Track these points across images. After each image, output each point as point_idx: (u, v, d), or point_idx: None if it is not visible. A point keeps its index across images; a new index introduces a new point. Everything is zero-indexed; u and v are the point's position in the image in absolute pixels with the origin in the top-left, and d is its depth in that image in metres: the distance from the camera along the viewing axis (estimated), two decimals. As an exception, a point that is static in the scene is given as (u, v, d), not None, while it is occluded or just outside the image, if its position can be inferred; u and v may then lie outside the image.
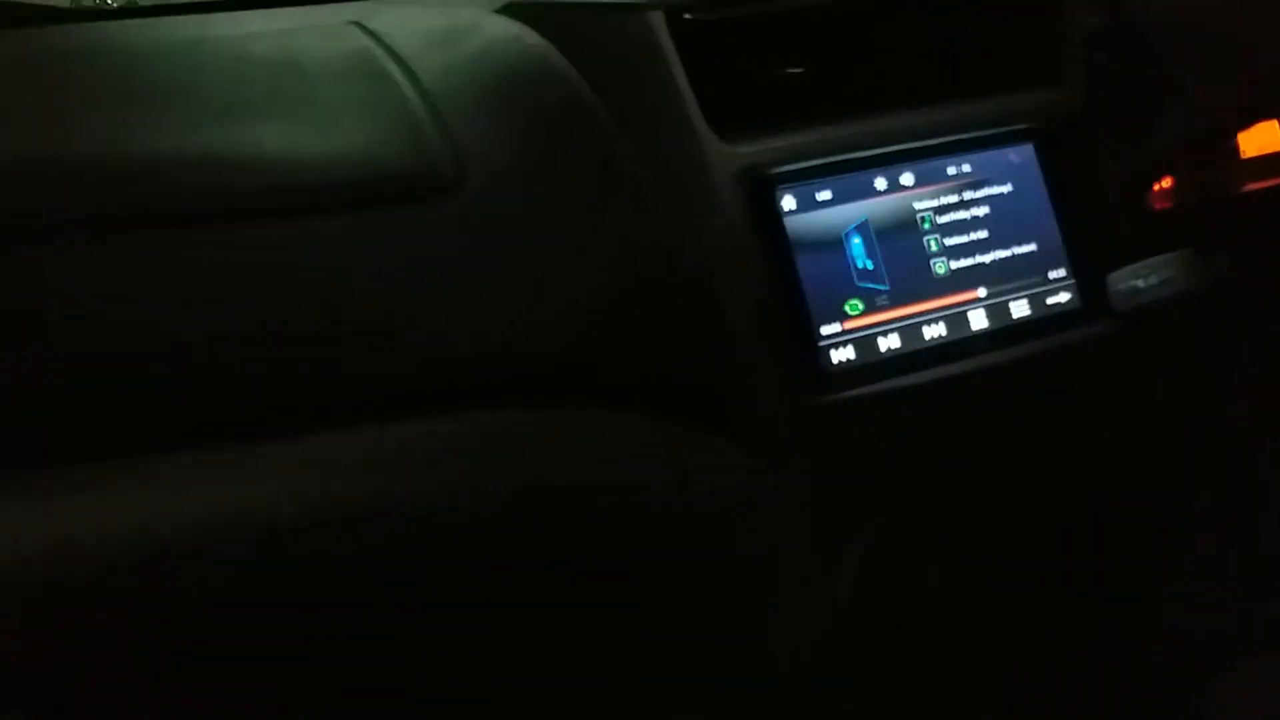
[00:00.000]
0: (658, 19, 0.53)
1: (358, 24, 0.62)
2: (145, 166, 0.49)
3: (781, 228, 0.53)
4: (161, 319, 0.47)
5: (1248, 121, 0.59)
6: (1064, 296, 0.58)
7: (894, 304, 0.54)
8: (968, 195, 0.57)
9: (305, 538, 0.46)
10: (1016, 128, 0.58)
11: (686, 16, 0.53)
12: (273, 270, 0.49)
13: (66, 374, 0.45)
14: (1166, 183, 0.61)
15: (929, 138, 0.56)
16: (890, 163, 0.55)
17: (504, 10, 0.62)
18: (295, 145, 0.51)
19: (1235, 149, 0.62)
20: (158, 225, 0.48)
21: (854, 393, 0.53)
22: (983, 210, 0.57)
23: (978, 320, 0.56)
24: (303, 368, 0.48)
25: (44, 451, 0.44)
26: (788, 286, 0.53)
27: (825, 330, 0.53)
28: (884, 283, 0.54)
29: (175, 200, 0.48)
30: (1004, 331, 0.56)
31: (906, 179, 0.56)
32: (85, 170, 0.49)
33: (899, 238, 0.55)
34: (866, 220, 0.55)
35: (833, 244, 0.54)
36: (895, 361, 0.54)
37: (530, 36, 0.58)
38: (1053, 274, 0.58)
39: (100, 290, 0.46)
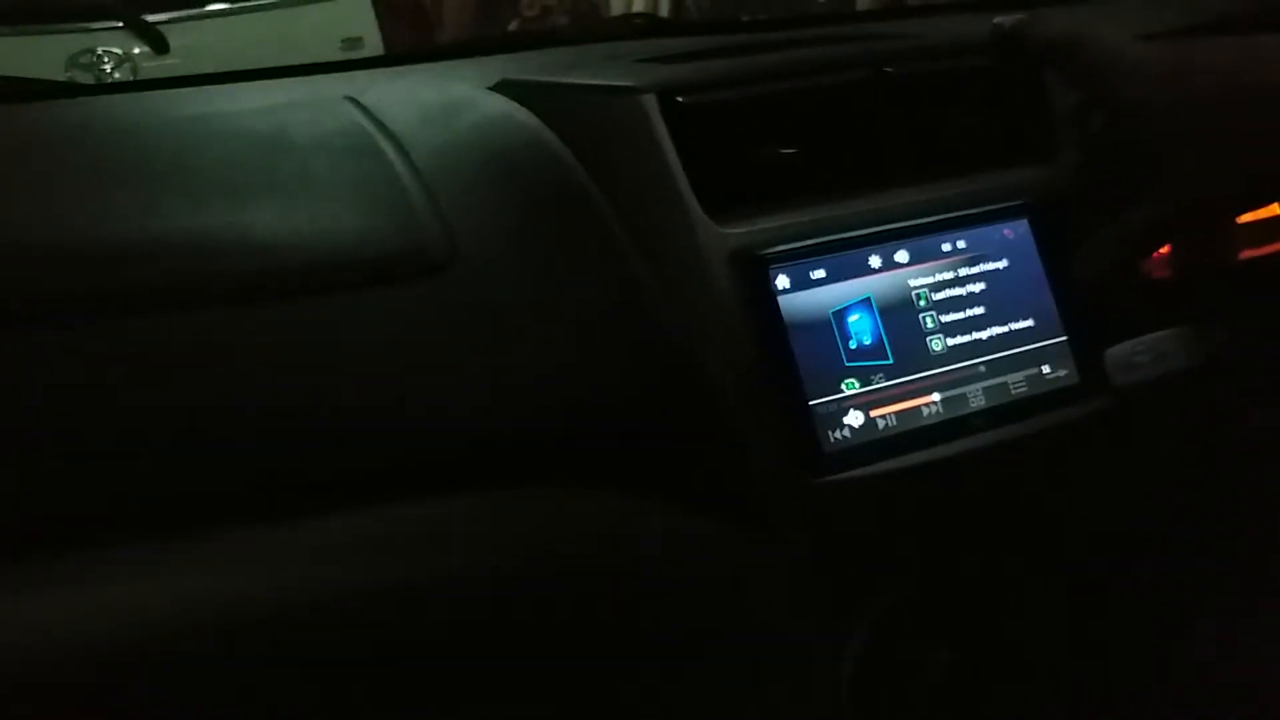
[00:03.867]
0: (650, 102, 0.53)
1: (352, 99, 0.62)
2: (141, 250, 0.49)
3: (776, 307, 0.52)
4: (152, 402, 0.46)
5: (1241, 202, 0.59)
6: (1062, 372, 0.57)
7: (891, 382, 0.54)
8: (963, 272, 0.56)
9: (289, 624, 0.45)
10: (1010, 204, 0.58)
11: (679, 100, 0.53)
12: (266, 352, 0.48)
13: (52, 458, 0.45)
14: (1163, 251, 0.61)
15: (923, 216, 0.56)
16: (885, 240, 0.55)
17: (498, 87, 0.63)
18: (289, 226, 0.51)
19: (1231, 216, 0.62)
20: (151, 308, 0.48)
21: (851, 474, 0.52)
22: (978, 286, 0.57)
23: (975, 398, 0.55)
24: (293, 451, 0.47)
25: (31, 537, 0.44)
26: (783, 367, 0.52)
27: (821, 410, 0.52)
28: (881, 361, 0.54)
29: (169, 283, 0.48)
30: (1002, 409, 0.55)
31: (901, 256, 0.56)
32: (80, 253, 0.49)
33: (895, 315, 0.55)
34: (862, 298, 0.54)
35: (828, 323, 0.53)
36: (893, 441, 0.53)
37: (523, 115, 0.58)
38: (1050, 349, 0.57)
39: (91, 374, 0.46)
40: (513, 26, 3.48)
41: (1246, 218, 0.64)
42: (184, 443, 0.46)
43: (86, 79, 1.89)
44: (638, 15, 2.09)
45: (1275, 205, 0.65)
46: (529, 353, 0.50)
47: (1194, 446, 0.60)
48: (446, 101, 0.62)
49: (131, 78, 1.93)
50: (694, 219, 0.52)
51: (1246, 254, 0.65)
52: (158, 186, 0.53)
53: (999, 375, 0.56)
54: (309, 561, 0.47)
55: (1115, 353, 0.57)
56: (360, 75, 0.81)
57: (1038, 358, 0.57)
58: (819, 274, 0.54)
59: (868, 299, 0.54)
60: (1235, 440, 0.62)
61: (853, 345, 0.54)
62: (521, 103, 0.59)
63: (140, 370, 0.46)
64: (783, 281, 0.53)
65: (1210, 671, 0.65)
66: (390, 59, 0.91)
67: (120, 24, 1.90)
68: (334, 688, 0.45)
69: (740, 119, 0.55)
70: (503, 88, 0.62)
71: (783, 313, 0.52)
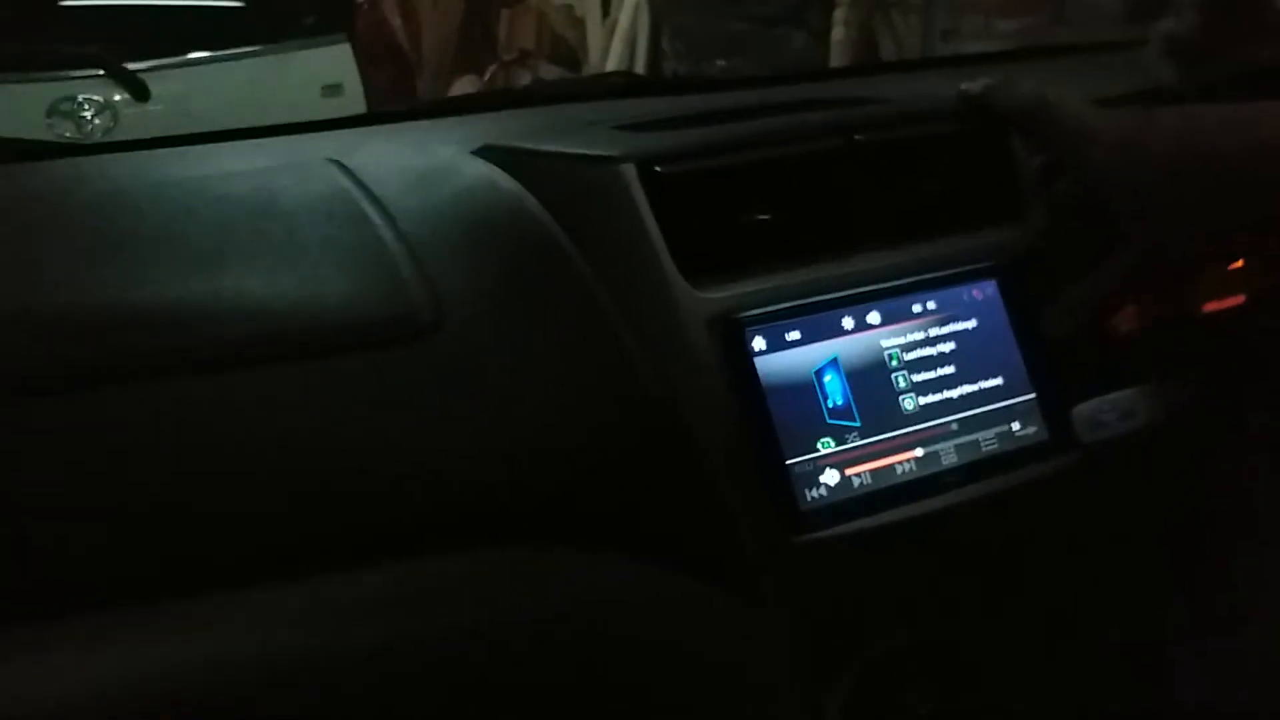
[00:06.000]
0: (630, 171, 0.55)
1: (336, 162, 0.64)
2: (129, 318, 0.50)
3: (752, 368, 0.54)
4: (138, 470, 0.47)
5: (1202, 261, 0.61)
6: (1031, 429, 0.59)
7: (865, 441, 0.55)
8: (933, 332, 0.58)
9: (282, 688, 0.46)
10: (978, 265, 0.60)
11: (657, 170, 0.55)
12: (254, 419, 0.49)
13: (45, 527, 0.45)
14: (1127, 309, 0.63)
15: (894, 278, 0.58)
16: (857, 303, 0.57)
17: (480, 152, 0.64)
18: (278, 292, 0.52)
19: (1192, 274, 0.64)
20: (141, 376, 0.48)
21: (828, 532, 0.53)
22: (949, 346, 0.58)
23: (948, 455, 0.57)
24: (282, 516, 0.48)
25: (32, 604, 0.44)
26: (760, 426, 0.53)
27: (798, 469, 0.54)
28: (855, 420, 0.55)
29: (158, 351, 0.49)
30: (974, 466, 0.57)
31: (873, 317, 0.57)
32: (67, 322, 0.50)
33: (868, 375, 0.56)
34: (836, 359, 0.56)
35: (803, 383, 0.55)
36: (868, 499, 0.54)
37: (506, 181, 0.60)
38: (1020, 407, 0.59)
39: (77, 444, 0.47)
40: (492, 70, 3.52)
41: (1208, 274, 0.66)
42: (169, 509, 0.47)
43: (67, 126, 1.91)
44: (616, 74, 2.13)
45: (1236, 261, 0.67)
46: (515, 415, 0.51)
47: (1161, 500, 0.61)
48: (430, 166, 0.63)
49: (112, 125, 1.95)
50: (672, 283, 0.54)
51: (1209, 307, 0.67)
52: (146, 253, 0.54)
53: (970, 433, 0.57)
54: (290, 626, 0.47)
55: (1082, 410, 0.59)
56: (346, 134, 0.83)
57: (1008, 415, 0.58)
58: (794, 335, 0.55)
59: (841, 360, 0.56)
60: (1201, 493, 0.63)
61: (828, 404, 0.55)
62: (503, 168, 0.61)
63: (128, 438, 0.47)
64: (759, 343, 0.54)
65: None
66: (371, 118, 0.92)
67: (101, 72, 1.92)
68: None
69: (716, 186, 0.57)
70: (485, 153, 0.63)
71: (759, 373, 0.54)
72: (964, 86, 0.63)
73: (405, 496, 0.50)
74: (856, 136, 0.59)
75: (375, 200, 0.59)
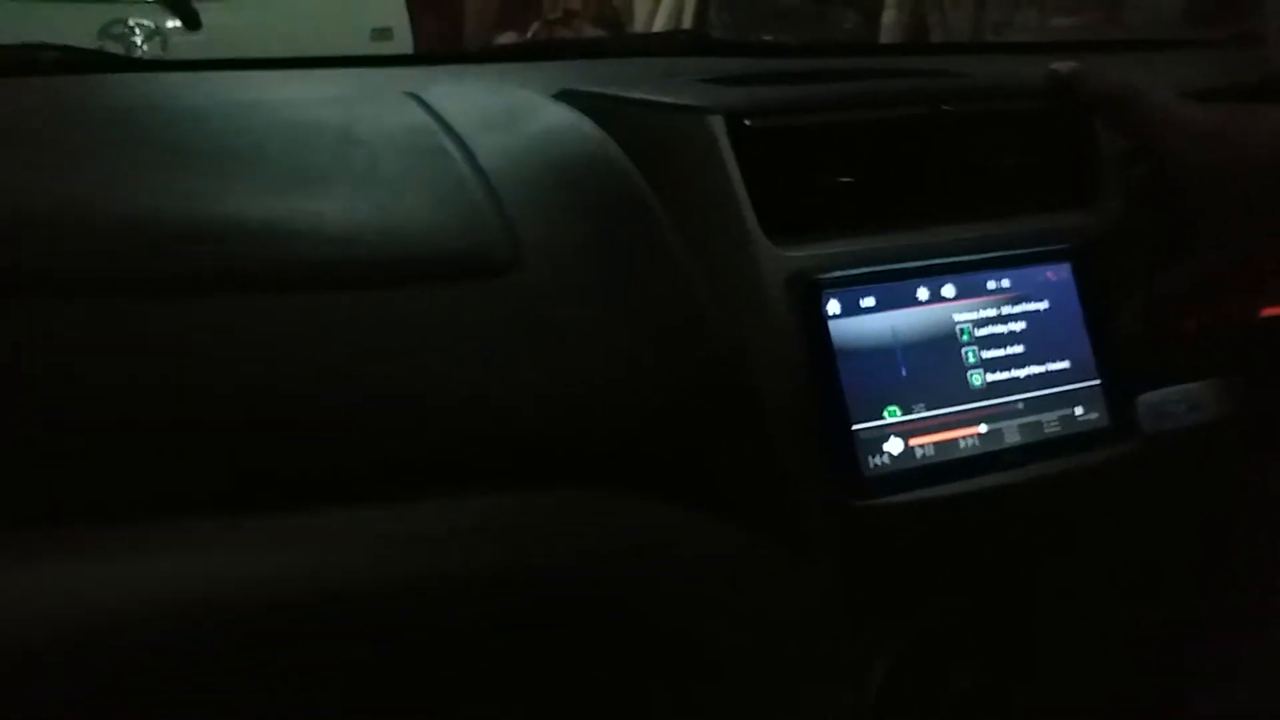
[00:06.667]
0: (718, 123, 0.55)
1: (415, 96, 0.63)
2: (204, 230, 0.50)
3: (826, 331, 0.54)
4: (211, 383, 0.47)
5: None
6: (1094, 414, 0.58)
7: (931, 413, 0.55)
8: (1006, 310, 0.58)
9: (327, 610, 0.46)
10: (1055, 247, 0.59)
11: (746, 123, 0.55)
12: (324, 340, 0.49)
13: (107, 430, 0.45)
14: (1196, 306, 0.62)
15: (970, 253, 0.57)
16: (932, 274, 0.56)
17: (560, 96, 0.64)
18: (359, 218, 0.52)
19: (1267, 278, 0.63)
20: (221, 289, 0.48)
21: (889, 499, 0.53)
22: (1020, 325, 0.58)
23: (1011, 434, 0.57)
24: (341, 440, 0.48)
25: (72, 510, 0.44)
26: (829, 388, 0.53)
27: (863, 435, 0.54)
28: (922, 391, 0.55)
29: (241, 266, 0.49)
30: (1036, 446, 0.57)
31: (948, 291, 0.57)
32: (152, 230, 0.50)
33: (938, 348, 0.56)
34: (908, 329, 0.56)
35: (874, 350, 0.55)
36: (930, 470, 0.54)
37: (588, 125, 0.59)
38: (1084, 392, 0.59)
39: (149, 349, 0.47)
40: (535, 28, 3.50)
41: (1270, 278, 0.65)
42: (245, 423, 0.47)
43: (117, 49, 1.91)
44: (684, 32, 2.11)
45: None
46: (585, 359, 0.51)
47: (1219, 495, 0.61)
48: (510, 107, 0.63)
49: (162, 51, 1.95)
50: (753, 239, 0.54)
51: (1269, 311, 0.66)
52: (226, 169, 0.54)
53: (1034, 414, 0.57)
54: (340, 550, 0.47)
55: (1147, 400, 0.59)
56: (409, 72, 0.82)
57: (1072, 399, 0.58)
58: (868, 302, 0.55)
59: (913, 330, 0.56)
60: (1259, 491, 0.63)
61: (897, 373, 0.55)
62: (585, 113, 0.60)
63: (207, 350, 0.47)
64: (834, 306, 0.54)
65: (1228, 713, 0.67)
66: (438, 57, 0.92)
67: (152, -3, 1.92)
68: (348, 680, 0.46)
69: (802, 145, 0.56)
70: (567, 97, 0.63)
71: (832, 337, 0.54)
72: (1054, 66, 0.63)
73: (467, 431, 0.50)
74: (945, 106, 0.59)
75: (455, 136, 0.59)
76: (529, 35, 3.40)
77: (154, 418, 0.46)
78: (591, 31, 3.60)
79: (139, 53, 1.86)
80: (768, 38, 2.96)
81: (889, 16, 2.82)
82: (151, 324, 0.47)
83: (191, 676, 0.43)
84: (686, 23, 3.28)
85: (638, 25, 3.51)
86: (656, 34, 2.34)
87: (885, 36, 2.80)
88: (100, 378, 0.46)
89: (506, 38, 3.41)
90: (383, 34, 2.04)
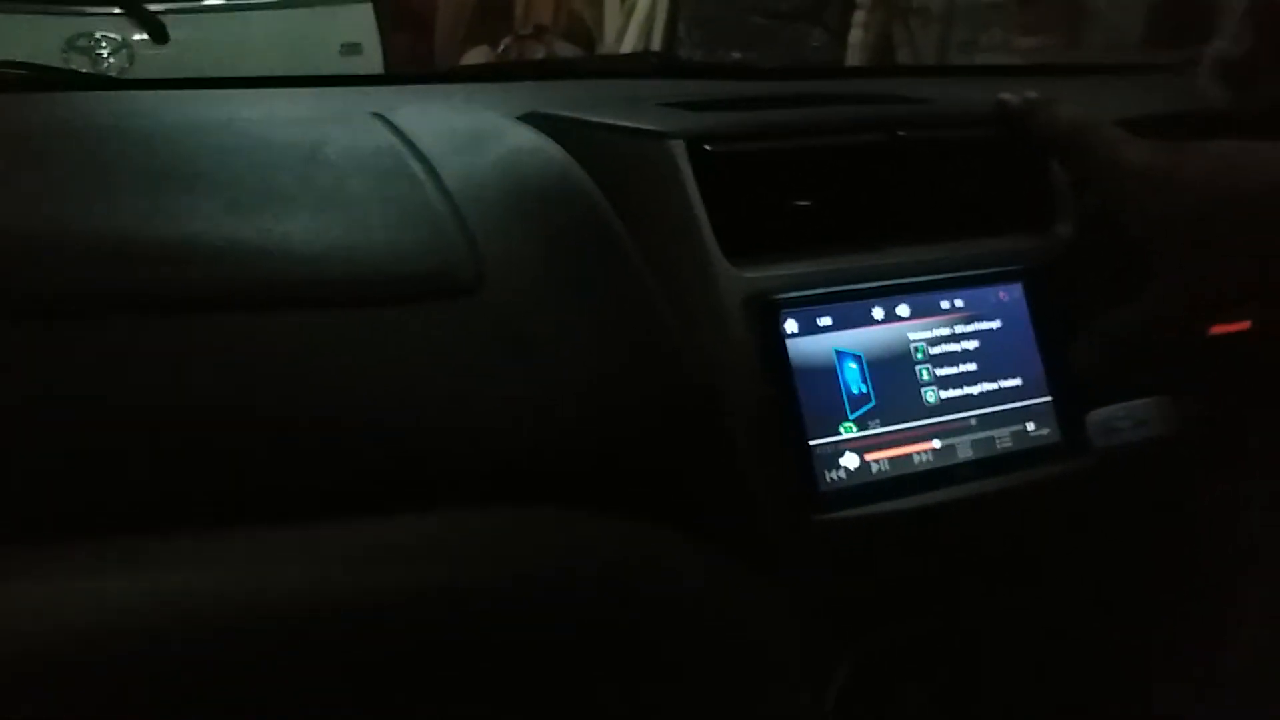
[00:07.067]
0: (679, 147, 0.56)
1: (381, 117, 0.64)
2: (179, 250, 0.51)
3: (784, 349, 0.55)
4: (174, 402, 0.48)
5: (1222, 299, 0.62)
6: (1045, 430, 0.60)
7: (886, 429, 0.57)
8: (959, 329, 0.59)
9: (292, 624, 0.47)
10: (1007, 268, 0.61)
11: (707, 148, 0.56)
12: (290, 360, 0.50)
13: (73, 451, 0.46)
14: (1143, 328, 0.64)
15: (925, 274, 0.59)
16: (888, 294, 0.58)
17: (526, 118, 0.65)
18: (326, 238, 0.53)
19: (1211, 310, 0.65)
20: (184, 309, 0.49)
21: (844, 513, 0.54)
22: (972, 344, 0.60)
23: (964, 449, 0.58)
24: (307, 458, 0.49)
25: (44, 529, 0.45)
26: (786, 405, 0.55)
27: (820, 451, 0.55)
28: (877, 408, 0.57)
29: (204, 285, 0.50)
30: (989, 461, 0.58)
31: (903, 310, 0.58)
32: (116, 249, 0.50)
33: (893, 366, 0.58)
34: (863, 347, 0.57)
35: (830, 368, 0.56)
36: (885, 485, 0.56)
37: (553, 148, 0.60)
38: (1036, 408, 0.60)
39: (111, 370, 0.47)
40: (506, 43, 3.51)
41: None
42: (201, 442, 0.47)
43: (83, 63, 1.90)
44: (653, 54, 2.13)
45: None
46: (547, 379, 0.52)
47: (1168, 508, 0.63)
48: (476, 128, 0.64)
49: (128, 65, 1.94)
50: (713, 260, 0.55)
51: (1217, 329, 0.68)
52: (191, 189, 0.55)
53: (987, 429, 0.59)
54: (310, 565, 0.48)
55: (1097, 416, 0.61)
56: (377, 91, 0.83)
57: (1024, 415, 0.60)
58: (825, 321, 0.56)
59: (869, 348, 0.57)
60: (1205, 505, 0.65)
61: (852, 391, 0.56)
62: (550, 136, 0.62)
63: (166, 369, 0.48)
64: (791, 325, 0.56)
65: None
66: (407, 77, 0.93)
67: (119, 10, 1.91)
68: (322, 694, 0.46)
69: (761, 169, 0.58)
70: (532, 120, 0.64)
71: (789, 355, 0.55)
72: (1003, 97, 0.64)
73: (430, 449, 0.51)
74: (900, 133, 0.60)
75: (421, 157, 0.60)
76: (500, 50, 3.42)
77: (112, 437, 0.46)
78: (562, 46, 3.62)
79: (105, 66, 1.85)
80: (736, 55, 3.00)
81: (856, 36, 2.86)
82: (113, 345, 0.47)
83: (160, 692, 0.43)
84: (657, 38, 3.31)
85: (608, 40, 3.54)
86: (625, 55, 2.36)
87: (852, 55, 2.83)
88: (59, 397, 0.46)
89: (478, 52, 3.42)
90: (352, 49, 2.04)
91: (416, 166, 0.59)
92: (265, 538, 0.47)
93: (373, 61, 2.05)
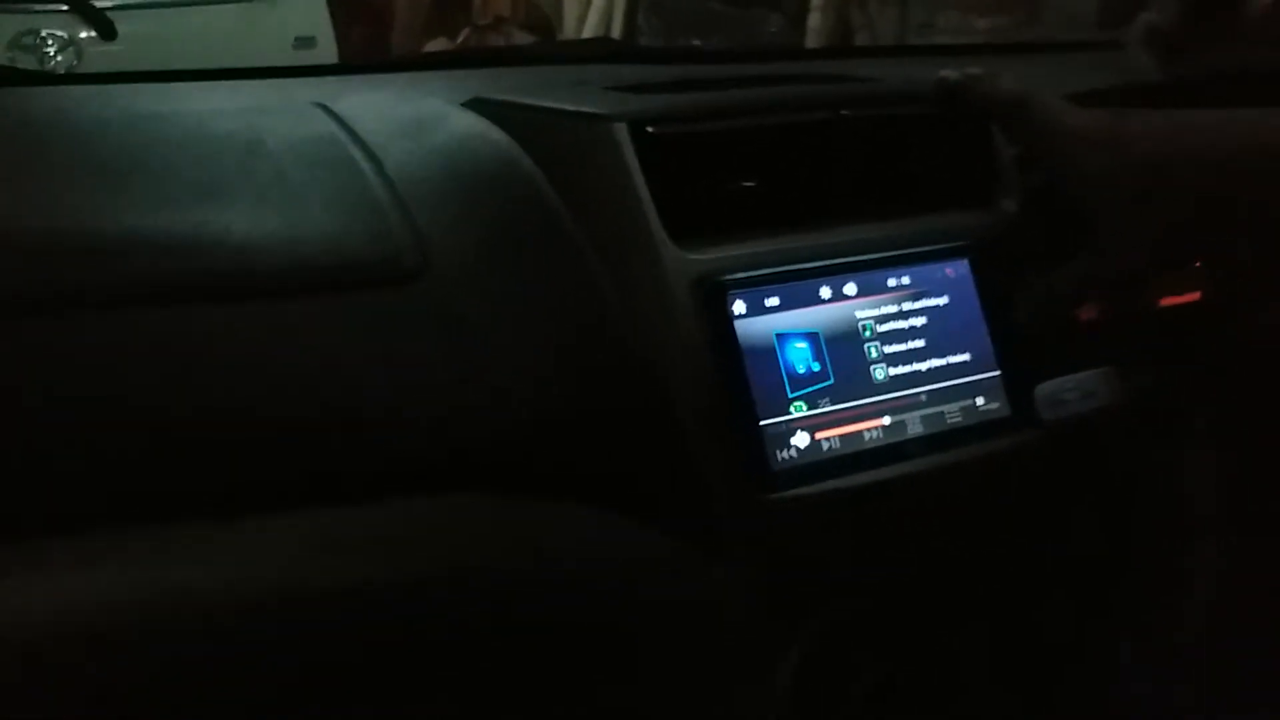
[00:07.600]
0: (622, 130, 0.56)
1: (323, 107, 0.64)
2: (116, 244, 0.50)
3: (732, 330, 0.55)
4: (109, 398, 0.47)
5: (1165, 263, 0.63)
6: (995, 404, 0.61)
7: (836, 407, 0.57)
8: (906, 306, 0.60)
9: (245, 619, 0.46)
10: (953, 244, 0.61)
11: (649, 130, 0.56)
12: (232, 352, 0.49)
13: (15, 450, 0.45)
14: (1090, 299, 0.65)
15: (871, 251, 0.59)
16: (835, 273, 0.58)
17: (470, 104, 0.64)
18: (265, 229, 0.52)
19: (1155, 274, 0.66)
20: (122, 303, 0.48)
21: (796, 492, 0.54)
22: (920, 321, 0.60)
23: (914, 425, 0.59)
24: (254, 450, 0.48)
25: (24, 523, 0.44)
26: (736, 386, 0.55)
27: (770, 430, 0.55)
28: (827, 387, 0.57)
29: (143, 279, 0.49)
30: (939, 436, 0.59)
31: (850, 289, 0.59)
32: (51, 245, 0.49)
33: (841, 344, 0.58)
34: (811, 327, 0.57)
35: (779, 348, 0.56)
36: (837, 462, 0.56)
37: (496, 134, 0.60)
38: (985, 383, 0.61)
39: (49, 367, 0.47)
40: (465, 34, 3.48)
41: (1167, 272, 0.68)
42: (136, 438, 0.47)
43: (28, 60, 1.86)
44: (601, 39, 2.12)
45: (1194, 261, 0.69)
46: (493, 365, 0.52)
47: (1116, 479, 0.64)
48: (419, 115, 0.63)
49: (76, 62, 1.90)
50: (658, 243, 0.55)
51: (1166, 301, 0.69)
52: (130, 183, 0.54)
53: (936, 405, 0.59)
54: (249, 559, 0.47)
55: (1045, 389, 0.61)
56: (324, 81, 0.82)
57: (973, 390, 0.60)
58: (773, 301, 0.56)
59: (817, 327, 0.57)
60: (1152, 473, 0.66)
61: (801, 370, 0.56)
62: (494, 121, 0.61)
63: (102, 366, 0.47)
64: (739, 307, 0.56)
65: (1131, 697, 0.69)
66: (353, 67, 0.92)
67: (66, 7, 1.88)
68: (275, 684, 0.46)
69: (705, 151, 0.58)
70: (475, 105, 0.64)
71: (738, 336, 0.55)
72: (943, 73, 0.64)
73: (375, 438, 0.50)
74: (843, 111, 0.60)
75: (363, 145, 0.59)
76: (459, 42, 3.39)
77: (41, 437, 0.45)
78: (521, 37, 3.60)
79: (52, 64, 1.82)
80: (695, 42, 3.00)
81: (814, 20, 2.86)
82: (52, 339, 0.46)
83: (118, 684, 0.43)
84: (617, 26, 3.30)
85: (568, 29, 3.52)
86: (579, 41, 2.35)
87: (811, 39, 2.84)
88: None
89: (436, 44, 3.39)
90: (306, 43, 2.02)
91: (358, 154, 0.58)
92: (208, 534, 0.46)
93: (328, 54, 2.03)
